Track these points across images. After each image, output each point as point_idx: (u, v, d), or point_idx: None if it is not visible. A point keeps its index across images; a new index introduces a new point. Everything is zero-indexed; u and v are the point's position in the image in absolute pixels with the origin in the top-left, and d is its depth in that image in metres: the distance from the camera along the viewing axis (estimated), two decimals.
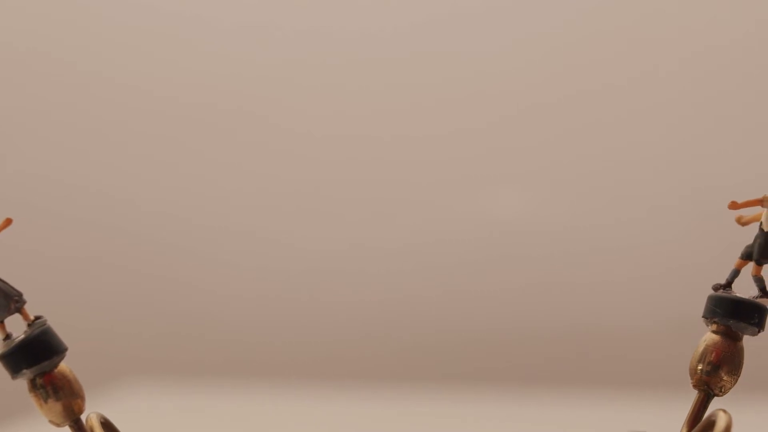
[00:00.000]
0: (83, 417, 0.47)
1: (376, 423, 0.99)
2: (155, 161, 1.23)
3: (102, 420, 0.48)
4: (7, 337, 0.46)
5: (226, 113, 1.22)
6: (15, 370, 0.46)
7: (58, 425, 0.47)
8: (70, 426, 0.47)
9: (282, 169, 1.21)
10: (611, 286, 1.16)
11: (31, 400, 0.47)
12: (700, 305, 0.48)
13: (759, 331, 0.47)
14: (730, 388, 0.47)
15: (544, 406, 1.06)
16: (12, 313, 0.46)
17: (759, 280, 0.47)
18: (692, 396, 0.47)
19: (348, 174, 1.20)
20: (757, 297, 0.47)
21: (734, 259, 0.48)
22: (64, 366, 0.46)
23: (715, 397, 0.47)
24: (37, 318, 0.46)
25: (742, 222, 0.47)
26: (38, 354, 0.45)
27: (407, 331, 1.19)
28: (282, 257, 1.21)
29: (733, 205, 0.46)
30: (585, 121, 1.17)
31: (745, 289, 0.47)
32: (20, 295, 0.46)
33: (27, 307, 0.47)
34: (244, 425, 1.00)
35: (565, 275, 1.17)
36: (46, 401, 0.46)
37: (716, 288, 0.47)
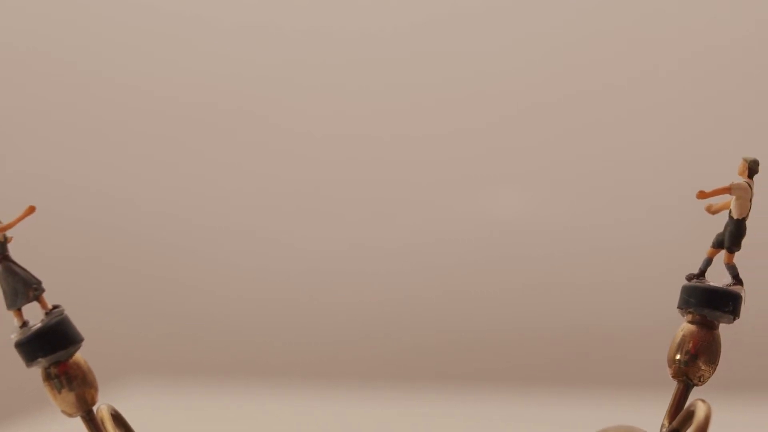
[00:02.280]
0: (94, 409, 0.47)
1: (376, 423, 0.99)
2: (155, 161, 1.23)
3: (112, 412, 0.48)
4: (24, 324, 0.46)
5: (226, 113, 1.22)
6: (30, 358, 0.46)
7: (70, 415, 0.47)
8: (82, 417, 0.47)
9: (282, 169, 1.21)
10: (611, 286, 1.16)
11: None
12: None
13: (734, 319, 0.47)
14: (709, 377, 0.47)
15: (544, 406, 1.06)
16: (30, 301, 0.46)
17: (732, 267, 0.47)
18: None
19: (348, 174, 1.20)
20: (730, 285, 0.47)
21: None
22: (79, 356, 0.46)
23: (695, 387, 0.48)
24: (55, 307, 0.46)
25: (712, 210, 0.47)
26: (54, 343, 0.45)
27: (407, 331, 1.19)
28: (282, 257, 1.21)
29: (702, 195, 0.46)
30: (585, 121, 1.17)
31: (718, 277, 0.47)
32: (39, 283, 0.46)
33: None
34: (245, 425, 1.00)
35: (565, 275, 1.17)
36: (59, 391, 0.46)
37: (689, 278, 0.47)
